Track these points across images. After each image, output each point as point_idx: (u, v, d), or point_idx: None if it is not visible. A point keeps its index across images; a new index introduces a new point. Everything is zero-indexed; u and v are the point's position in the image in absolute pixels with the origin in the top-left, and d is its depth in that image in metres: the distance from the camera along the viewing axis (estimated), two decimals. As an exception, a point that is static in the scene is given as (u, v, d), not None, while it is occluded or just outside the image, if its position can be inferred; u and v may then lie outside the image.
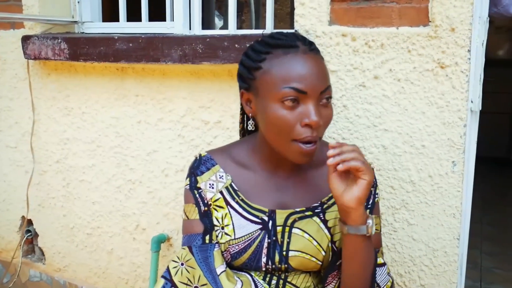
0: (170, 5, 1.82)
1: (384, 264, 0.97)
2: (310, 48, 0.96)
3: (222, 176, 1.05)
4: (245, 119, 1.13)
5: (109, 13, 2.13)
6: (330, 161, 0.87)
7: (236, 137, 1.53)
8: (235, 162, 1.07)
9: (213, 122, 1.58)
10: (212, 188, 1.04)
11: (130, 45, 1.58)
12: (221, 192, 1.04)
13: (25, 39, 1.83)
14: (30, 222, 2.13)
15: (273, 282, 1.02)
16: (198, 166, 1.07)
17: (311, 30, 1.35)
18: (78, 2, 1.97)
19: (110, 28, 1.94)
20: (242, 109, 1.10)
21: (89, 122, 1.86)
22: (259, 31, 1.58)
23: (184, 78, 1.60)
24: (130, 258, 1.89)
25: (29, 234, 2.17)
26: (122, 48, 1.60)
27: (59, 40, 1.74)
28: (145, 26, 1.86)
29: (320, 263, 1.00)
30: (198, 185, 1.05)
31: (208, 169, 1.06)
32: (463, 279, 1.35)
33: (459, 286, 1.32)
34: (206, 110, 1.58)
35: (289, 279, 1.03)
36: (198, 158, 1.09)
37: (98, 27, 1.98)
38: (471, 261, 2.55)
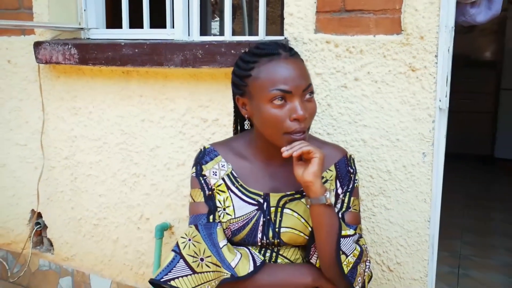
0: (170, 13, 1.98)
1: (350, 236, 1.14)
2: (291, 53, 1.14)
3: (224, 165, 1.22)
4: (238, 119, 1.31)
5: (111, 20, 2.28)
6: (284, 154, 1.07)
7: (231, 134, 1.70)
8: (235, 153, 1.24)
9: (211, 120, 1.75)
10: (215, 175, 1.21)
11: (136, 50, 1.74)
12: (223, 179, 1.21)
13: (37, 45, 1.99)
14: (39, 215, 2.28)
15: (267, 254, 1.19)
16: (203, 157, 1.23)
17: (298, 38, 1.52)
18: (85, 10, 2.13)
19: (114, 34, 2.10)
20: (235, 111, 1.28)
21: (95, 121, 2.02)
22: (252, 38, 1.76)
23: (184, 80, 1.76)
24: (135, 246, 2.05)
25: (38, 226, 2.31)
26: (128, 53, 1.76)
27: (69, 46, 1.90)
28: (147, 33, 2.03)
29: (307, 237, 1.18)
30: (203, 173, 1.22)
31: (212, 159, 1.23)
32: (434, 257, 1.52)
33: (430, 263, 1.50)
34: (205, 109, 1.75)
35: (281, 252, 1.20)
36: (203, 150, 1.25)
37: (103, 33, 2.14)
38: (451, 250, 2.76)
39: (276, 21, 5.15)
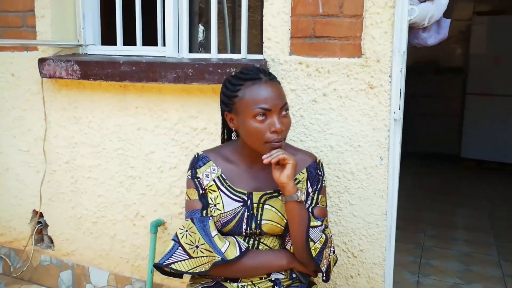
0: (161, 33, 2.22)
1: (317, 226, 1.40)
2: (270, 78, 1.39)
3: (215, 169, 1.47)
4: (225, 131, 1.56)
5: (103, 37, 2.50)
6: (265, 161, 1.33)
7: (218, 140, 1.95)
8: (223, 159, 1.49)
9: (200, 128, 2.00)
10: (208, 177, 1.46)
11: (133, 68, 1.98)
12: (214, 180, 1.46)
13: (41, 61, 2.20)
14: (41, 215, 2.49)
15: (251, 242, 1.45)
16: (197, 162, 1.48)
17: (276, 59, 1.79)
18: (83, 28, 2.36)
19: (110, 50, 2.34)
20: (223, 124, 1.53)
21: (95, 129, 2.25)
22: (235, 56, 2.02)
23: (177, 94, 2.01)
24: (131, 241, 2.28)
25: (40, 225, 2.53)
26: (126, 70, 2.00)
27: (72, 63, 2.12)
28: (141, 50, 2.27)
29: (283, 228, 1.43)
30: (197, 175, 1.46)
31: (204, 164, 1.48)
32: (392, 245, 1.80)
33: (388, 249, 1.78)
34: (195, 119, 2.00)
35: (261, 240, 1.45)
36: (196, 156, 1.50)
37: (99, 49, 2.37)
38: (415, 242, 3.06)
39: (256, 26, 5.38)
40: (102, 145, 2.25)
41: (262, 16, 1.79)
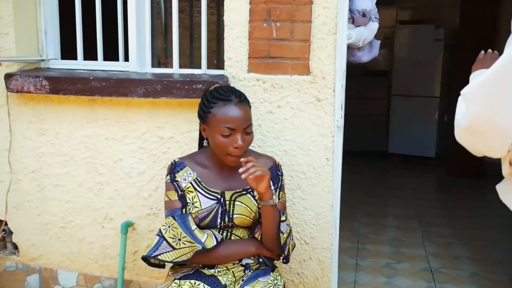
0: (122, 48, 2.41)
1: (284, 220, 1.68)
2: (240, 99, 1.64)
3: (191, 173, 1.71)
4: (201, 138, 1.80)
5: (62, 51, 2.65)
6: (243, 177, 1.53)
7: (184, 147, 2.20)
8: (197, 164, 1.73)
9: (167, 137, 2.22)
10: (185, 180, 1.70)
11: (103, 83, 2.16)
12: (190, 183, 1.70)
13: (8, 76, 2.31)
14: (6, 223, 2.58)
15: (224, 234, 1.71)
16: (175, 168, 1.72)
17: (236, 76, 2.05)
18: (46, 43, 2.49)
19: (71, 65, 2.49)
20: (200, 133, 1.78)
21: (63, 140, 2.39)
22: (196, 71, 2.26)
23: (144, 107, 2.22)
24: (100, 242, 2.45)
25: (4, 232, 2.62)
26: (97, 85, 2.17)
27: (41, 78, 2.25)
28: (102, 65, 2.44)
29: (252, 220, 1.71)
30: (176, 179, 1.70)
31: (181, 169, 1.71)
32: (337, 232, 2.13)
33: (334, 236, 2.10)
34: (162, 129, 2.22)
35: (233, 232, 1.72)
36: (174, 162, 1.73)
37: (61, 63, 2.51)
38: (352, 230, 3.45)
39: (211, 28, 5.56)
40: (70, 155, 2.39)
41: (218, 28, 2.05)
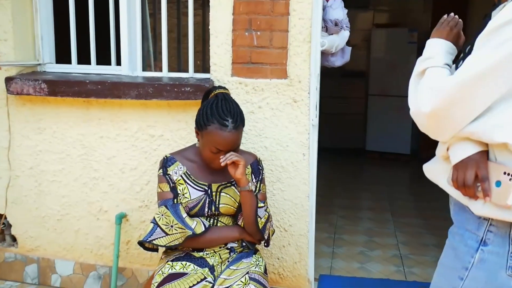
0: (114, 53, 2.60)
1: (262, 207, 1.90)
2: (235, 126, 1.81)
3: (181, 167, 1.92)
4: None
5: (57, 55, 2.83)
6: (222, 164, 1.77)
7: (173, 144, 2.40)
8: (187, 159, 1.94)
9: (157, 135, 2.42)
10: (176, 174, 1.91)
11: (99, 86, 2.35)
12: (181, 176, 1.91)
13: (8, 80, 2.48)
14: (5, 217, 2.75)
15: (211, 221, 1.92)
16: (167, 162, 1.92)
17: (220, 79, 2.27)
18: (42, 48, 2.67)
19: (67, 68, 2.67)
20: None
21: (59, 138, 2.57)
22: (184, 75, 2.46)
23: (136, 107, 2.41)
24: (95, 233, 2.63)
25: (3, 226, 2.78)
26: (92, 88, 2.36)
27: (40, 82, 2.43)
28: (96, 69, 2.63)
29: (235, 209, 1.92)
30: (168, 172, 1.90)
31: (172, 164, 1.92)
32: (313, 220, 2.36)
33: (310, 223, 2.33)
34: (152, 127, 2.42)
35: (219, 219, 1.93)
36: (165, 158, 1.94)
37: (56, 67, 2.69)
38: (329, 222, 3.68)
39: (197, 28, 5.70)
40: (66, 152, 2.57)
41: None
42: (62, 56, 2.80)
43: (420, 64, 1.30)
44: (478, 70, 1.12)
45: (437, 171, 1.28)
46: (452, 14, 1.41)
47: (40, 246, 2.74)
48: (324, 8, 2.33)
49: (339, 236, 3.43)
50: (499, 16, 1.13)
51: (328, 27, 2.36)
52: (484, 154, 1.17)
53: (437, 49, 1.32)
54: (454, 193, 1.24)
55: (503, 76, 1.11)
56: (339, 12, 2.37)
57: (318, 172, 2.37)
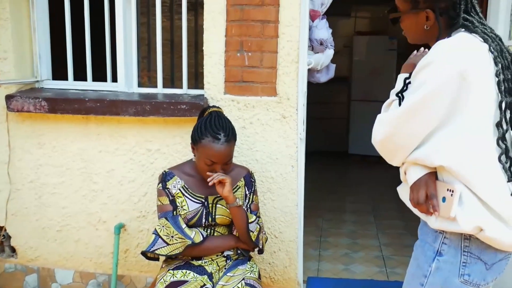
0: (110, 70, 2.73)
1: (253, 221, 2.05)
2: (227, 139, 1.97)
3: (179, 181, 2.07)
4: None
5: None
6: (210, 184, 1.92)
7: (169, 158, 2.54)
8: (184, 173, 2.09)
9: (154, 149, 2.56)
10: (175, 187, 2.05)
11: (98, 104, 2.48)
12: (179, 189, 2.05)
13: (9, 98, 2.58)
14: (4, 229, 2.85)
15: (208, 231, 2.07)
16: (166, 177, 2.07)
17: (214, 97, 2.42)
18: (40, 65, 2.78)
19: (64, 85, 2.79)
20: None
21: (59, 153, 2.68)
22: (179, 91, 2.61)
23: (134, 123, 2.55)
24: (94, 242, 2.76)
25: (3, 237, 2.89)
26: (91, 106, 2.49)
27: (40, 99, 2.55)
28: (92, 85, 2.76)
29: (231, 220, 2.07)
30: (167, 186, 2.05)
31: (171, 178, 2.07)
32: (301, 227, 2.52)
33: (299, 230, 2.50)
34: (150, 142, 2.56)
35: (216, 229, 2.08)
36: (164, 172, 2.08)
37: (54, 84, 2.81)
38: (315, 226, 3.86)
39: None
40: (66, 166, 2.69)
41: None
42: (57, 70, 2.92)
43: (390, 97, 1.47)
44: (407, 107, 1.32)
45: (404, 193, 1.46)
46: (422, 49, 1.59)
47: (40, 256, 2.85)
48: (310, 28, 2.50)
49: (325, 239, 3.61)
50: (422, 59, 1.32)
51: (314, 46, 2.53)
52: (433, 175, 1.35)
53: (397, 83, 1.50)
54: (415, 211, 1.42)
55: (430, 111, 1.28)
56: (324, 32, 2.55)
57: (304, 176, 2.53)
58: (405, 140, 1.33)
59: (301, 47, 2.32)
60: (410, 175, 1.38)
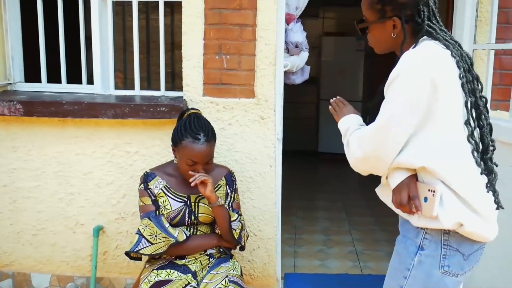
0: (85, 72, 2.72)
1: (235, 220, 2.10)
2: (207, 139, 2.01)
3: (161, 182, 2.09)
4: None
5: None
6: (192, 184, 1.96)
7: (148, 160, 2.56)
8: (166, 174, 2.12)
9: (133, 152, 2.57)
10: (157, 188, 2.08)
11: (75, 107, 2.47)
12: (161, 189, 2.08)
13: (-18, 100, 2.55)
14: (-23, 233, 2.80)
15: (191, 230, 2.10)
16: (147, 177, 2.09)
17: (193, 99, 2.45)
18: (13, 68, 2.74)
19: (37, 87, 2.77)
20: None
21: (35, 156, 2.65)
22: (156, 93, 2.63)
23: (112, 126, 2.55)
24: (72, 246, 2.74)
25: (-24, 243, 2.83)
26: (69, 108, 2.48)
27: (15, 102, 2.51)
28: (66, 87, 2.74)
29: (213, 218, 2.11)
30: (149, 187, 2.07)
31: (153, 178, 2.09)
32: (279, 225, 2.59)
33: (277, 228, 2.57)
34: (128, 144, 2.56)
35: (198, 228, 2.12)
36: (146, 173, 2.10)
37: (27, 86, 2.78)
38: (289, 223, 3.94)
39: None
40: (41, 169, 2.66)
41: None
42: (28, 72, 2.88)
43: (344, 138, 1.56)
44: (383, 119, 1.40)
45: (385, 193, 1.56)
46: (334, 98, 1.78)
47: (15, 261, 2.81)
48: (285, 31, 2.57)
49: (300, 236, 3.69)
50: (393, 71, 1.40)
51: (290, 49, 2.60)
52: (413, 177, 1.45)
53: (348, 121, 1.60)
54: (397, 211, 1.51)
55: (409, 118, 1.37)
56: (299, 35, 2.62)
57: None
58: (387, 148, 1.41)
59: (278, 50, 2.39)
60: (392, 180, 1.46)
